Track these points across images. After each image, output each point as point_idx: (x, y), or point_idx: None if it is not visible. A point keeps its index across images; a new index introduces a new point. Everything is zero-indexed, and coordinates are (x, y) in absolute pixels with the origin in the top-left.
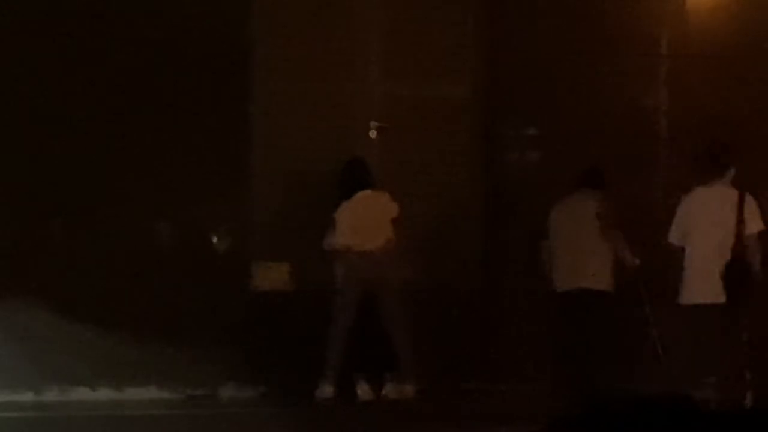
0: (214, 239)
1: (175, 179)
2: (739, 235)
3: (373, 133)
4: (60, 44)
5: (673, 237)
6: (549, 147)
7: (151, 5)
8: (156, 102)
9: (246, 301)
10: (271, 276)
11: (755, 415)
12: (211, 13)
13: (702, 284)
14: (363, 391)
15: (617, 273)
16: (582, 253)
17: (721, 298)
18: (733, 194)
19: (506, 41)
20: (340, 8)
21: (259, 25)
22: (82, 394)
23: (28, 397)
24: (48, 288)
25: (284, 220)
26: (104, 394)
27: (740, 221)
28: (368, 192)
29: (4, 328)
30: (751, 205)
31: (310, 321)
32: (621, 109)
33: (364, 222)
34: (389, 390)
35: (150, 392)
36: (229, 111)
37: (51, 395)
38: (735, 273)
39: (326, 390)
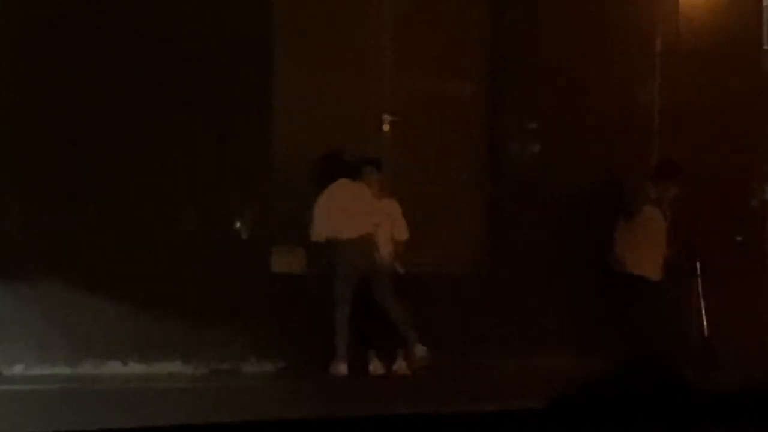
0: (237, 224)
1: (198, 166)
2: None
3: (386, 127)
4: (86, 24)
5: None
6: (549, 140)
7: None
8: (180, 89)
9: (267, 282)
10: (288, 260)
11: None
12: (231, 3)
13: None
14: (375, 366)
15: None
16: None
17: None
18: None
19: (509, 40)
20: (353, 2)
21: (277, 17)
22: (113, 367)
23: (63, 370)
24: (82, 268)
25: (303, 207)
26: (134, 367)
27: None
28: (344, 180)
29: (41, 306)
30: None
31: (326, 301)
32: (615, 104)
33: (346, 210)
34: (399, 366)
35: (176, 366)
36: (250, 99)
37: (85, 369)
38: None
39: (339, 368)
